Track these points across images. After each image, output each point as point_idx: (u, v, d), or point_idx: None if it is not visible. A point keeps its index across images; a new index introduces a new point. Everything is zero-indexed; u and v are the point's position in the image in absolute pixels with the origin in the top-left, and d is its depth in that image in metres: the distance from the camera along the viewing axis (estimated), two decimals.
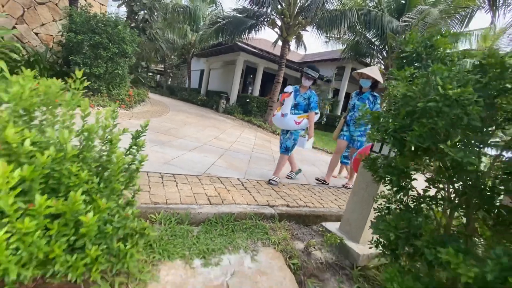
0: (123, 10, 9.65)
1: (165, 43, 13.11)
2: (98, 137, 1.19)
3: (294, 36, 10.48)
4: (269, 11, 10.03)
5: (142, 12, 9.29)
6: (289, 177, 3.51)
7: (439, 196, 1.12)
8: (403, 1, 11.08)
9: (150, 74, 19.03)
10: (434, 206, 1.15)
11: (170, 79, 25.20)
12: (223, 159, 3.77)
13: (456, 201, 1.08)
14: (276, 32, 10.36)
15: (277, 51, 11.59)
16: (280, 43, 10.47)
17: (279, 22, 10.03)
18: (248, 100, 12.42)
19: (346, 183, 3.87)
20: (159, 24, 10.73)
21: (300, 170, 3.64)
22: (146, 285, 1.27)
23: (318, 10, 8.36)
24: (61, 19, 6.68)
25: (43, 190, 0.94)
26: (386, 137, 1.13)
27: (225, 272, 1.51)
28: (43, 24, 6.49)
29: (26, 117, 0.96)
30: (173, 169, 2.75)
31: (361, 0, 11.01)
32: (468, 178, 1.01)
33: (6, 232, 0.82)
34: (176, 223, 1.81)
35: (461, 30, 8.62)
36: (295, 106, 3.13)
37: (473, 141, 0.98)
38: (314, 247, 2.06)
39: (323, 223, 2.34)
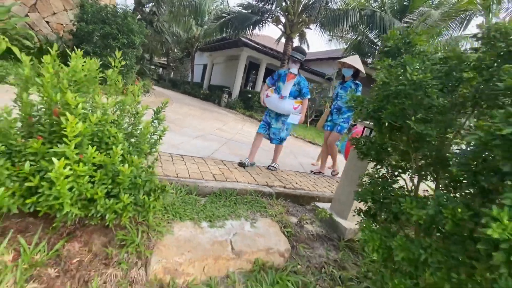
0: (131, 1, 9.82)
1: (171, 36, 13.29)
2: (127, 110, 1.43)
3: (298, 34, 10.66)
4: (273, 7, 10.21)
5: (150, 5, 9.47)
6: (273, 168, 3.35)
7: (408, 166, 1.36)
8: (406, 3, 11.25)
9: (152, 67, 19.18)
10: (403, 175, 1.39)
11: (172, 73, 25.35)
12: (226, 146, 4.01)
13: (423, 171, 1.32)
14: (280, 29, 10.54)
15: (280, 48, 11.77)
16: (283, 40, 10.66)
17: (283, 19, 10.20)
18: (250, 95, 12.63)
19: (332, 171, 3.93)
20: (166, 17, 10.91)
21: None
22: (162, 236, 1.52)
23: (321, 9, 8.55)
24: (71, 9, 6.87)
25: (89, 146, 1.18)
26: (367, 116, 1.37)
27: (228, 232, 1.76)
28: (54, 13, 6.69)
29: (78, 86, 1.20)
30: (181, 152, 2.99)
31: (364, 0, 11.18)
32: (431, 149, 1.24)
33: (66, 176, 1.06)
34: (185, 193, 2.06)
35: (459, 33, 8.82)
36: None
37: (437, 120, 1.22)
38: (306, 221, 2.31)
39: (316, 203, 2.59)
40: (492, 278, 0.79)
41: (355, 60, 3.46)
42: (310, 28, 10.76)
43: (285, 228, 2.05)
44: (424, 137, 1.17)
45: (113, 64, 1.30)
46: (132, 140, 1.44)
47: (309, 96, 3.13)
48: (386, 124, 1.28)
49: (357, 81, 3.47)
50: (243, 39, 12.09)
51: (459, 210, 0.84)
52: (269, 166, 3.29)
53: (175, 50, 21.28)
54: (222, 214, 1.94)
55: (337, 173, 3.88)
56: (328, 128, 3.67)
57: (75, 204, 1.18)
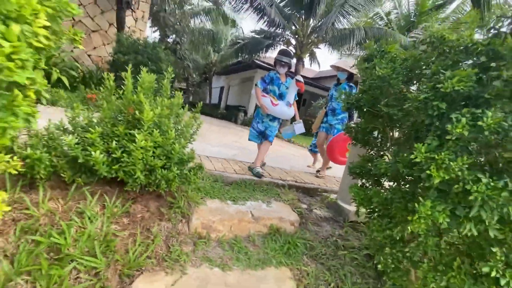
0: (157, 34, 11.11)
1: (191, 62, 14.54)
2: (174, 109, 1.96)
3: (308, 53, 11.37)
4: (284, 32, 11.05)
5: (174, 36, 10.67)
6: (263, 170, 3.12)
7: (384, 141, 1.75)
8: (412, 19, 11.76)
9: (173, 91, 20.55)
10: (382, 147, 1.77)
11: (191, 97, 26.92)
12: (243, 153, 4.49)
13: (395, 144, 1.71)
14: (291, 50, 11.32)
15: (291, 68, 12.47)
16: (294, 60, 11.39)
17: (293, 41, 10.98)
18: None
19: (318, 171, 3.82)
20: (187, 46, 12.11)
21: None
22: (198, 205, 1.97)
23: (328, 30, 9.21)
24: (108, 43, 7.99)
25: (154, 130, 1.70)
26: (352, 106, 1.80)
27: (248, 207, 2.18)
28: (94, 48, 7.81)
29: (144, 91, 1.75)
30: (206, 153, 3.50)
31: (370, 19, 11.82)
32: (401, 125, 1.64)
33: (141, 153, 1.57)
34: (213, 181, 2.51)
35: None
36: (280, 96, 3.07)
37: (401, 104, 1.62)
38: (315, 207, 2.66)
39: (324, 193, 2.94)
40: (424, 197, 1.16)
41: (348, 64, 3.63)
42: (319, 48, 11.46)
43: (296, 209, 2.43)
44: (391, 116, 1.57)
45: (166, 76, 1.85)
46: (179, 127, 1.95)
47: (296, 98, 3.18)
48: (365, 110, 1.70)
49: (351, 84, 3.58)
50: (257, 61, 12.99)
51: (406, 155, 1.24)
52: (254, 172, 2.91)
53: (194, 76, 22.83)
54: (243, 196, 2.37)
55: (323, 176, 3.74)
56: (323, 129, 3.72)
57: (141, 172, 1.67)
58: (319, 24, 9.77)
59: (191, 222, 1.77)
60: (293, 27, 10.51)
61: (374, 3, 9.65)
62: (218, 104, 19.62)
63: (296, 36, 10.49)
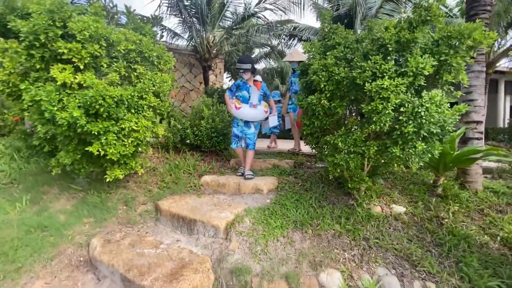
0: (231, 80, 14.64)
1: None
2: None
3: None
4: None
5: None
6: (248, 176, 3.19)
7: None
8: None
9: None
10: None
11: None
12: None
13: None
14: None
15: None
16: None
17: None
18: None
19: (293, 148, 4.43)
20: None
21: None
22: (233, 156, 3.79)
23: None
24: (201, 96, 11.51)
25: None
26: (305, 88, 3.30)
27: (263, 157, 3.82)
28: (193, 100, 11.43)
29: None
30: None
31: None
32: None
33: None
34: None
35: None
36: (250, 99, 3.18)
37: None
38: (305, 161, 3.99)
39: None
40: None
41: (295, 54, 4.25)
42: None
43: (291, 160, 3.89)
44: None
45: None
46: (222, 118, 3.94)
47: (271, 98, 3.38)
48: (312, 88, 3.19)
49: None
50: None
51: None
52: (245, 176, 3.15)
53: None
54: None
55: (299, 149, 4.35)
56: (291, 110, 4.31)
57: (207, 141, 3.68)
58: None
59: (230, 162, 3.60)
60: None
61: None
62: None
63: None
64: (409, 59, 1.95)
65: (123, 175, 2.54)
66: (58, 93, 2.08)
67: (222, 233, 2.26)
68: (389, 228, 2.56)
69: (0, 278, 1.85)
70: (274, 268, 1.98)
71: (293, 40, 12.19)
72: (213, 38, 9.71)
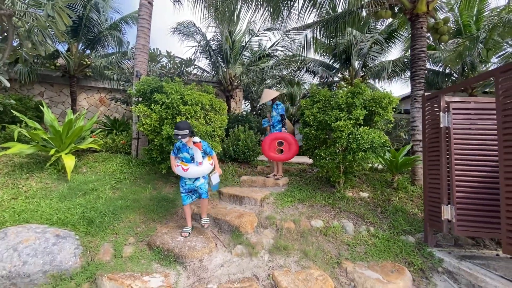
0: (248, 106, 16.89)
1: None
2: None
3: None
4: (333, 78, 14.45)
5: (259, 105, 16.05)
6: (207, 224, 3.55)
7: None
8: None
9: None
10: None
11: None
12: None
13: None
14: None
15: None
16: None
17: (343, 83, 14.13)
18: None
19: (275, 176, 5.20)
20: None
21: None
22: (258, 166, 5.75)
23: (368, 69, 12.07)
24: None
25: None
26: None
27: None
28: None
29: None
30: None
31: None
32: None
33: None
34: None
35: None
36: (193, 158, 3.27)
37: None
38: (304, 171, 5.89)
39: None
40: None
41: (266, 95, 5.18)
42: (369, 82, 14.02)
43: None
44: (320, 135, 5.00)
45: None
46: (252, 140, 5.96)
47: (213, 153, 3.43)
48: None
49: (276, 102, 5.18)
50: None
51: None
52: (203, 224, 3.50)
53: None
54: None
55: (280, 176, 5.15)
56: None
57: (242, 154, 5.68)
58: (361, 62, 12.79)
59: (257, 168, 5.56)
60: (340, 74, 13.85)
61: None
62: None
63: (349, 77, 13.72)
64: (353, 111, 3.92)
65: None
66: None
67: (259, 203, 4.17)
68: (355, 204, 4.39)
69: (149, 221, 3.84)
70: (287, 217, 3.86)
71: (299, 71, 14.42)
72: (234, 73, 12.02)
